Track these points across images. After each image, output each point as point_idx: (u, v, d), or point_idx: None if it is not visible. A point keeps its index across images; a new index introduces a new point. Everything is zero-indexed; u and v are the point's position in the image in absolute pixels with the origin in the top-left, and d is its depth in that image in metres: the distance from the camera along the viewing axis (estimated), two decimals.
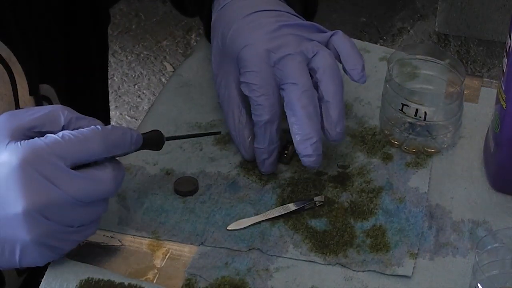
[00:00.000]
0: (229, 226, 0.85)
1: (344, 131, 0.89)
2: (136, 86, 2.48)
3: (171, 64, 2.57)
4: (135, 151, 0.81)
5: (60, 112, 0.78)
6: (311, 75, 0.88)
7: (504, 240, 0.77)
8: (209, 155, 0.93)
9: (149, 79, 2.53)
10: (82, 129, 0.77)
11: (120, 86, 2.47)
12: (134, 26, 2.66)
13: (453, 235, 0.85)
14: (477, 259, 0.75)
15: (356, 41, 1.07)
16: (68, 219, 0.75)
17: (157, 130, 0.84)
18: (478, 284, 0.74)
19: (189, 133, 0.90)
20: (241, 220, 0.86)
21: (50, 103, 1.00)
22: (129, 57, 2.56)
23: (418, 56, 0.96)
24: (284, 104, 0.87)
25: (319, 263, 0.82)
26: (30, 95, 0.97)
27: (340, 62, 0.89)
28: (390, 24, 2.70)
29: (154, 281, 0.80)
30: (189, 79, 1.03)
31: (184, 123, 0.97)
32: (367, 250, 0.83)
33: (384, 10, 2.75)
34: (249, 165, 0.91)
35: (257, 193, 0.89)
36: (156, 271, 0.81)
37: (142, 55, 2.59)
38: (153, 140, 0.84)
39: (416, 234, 0.85)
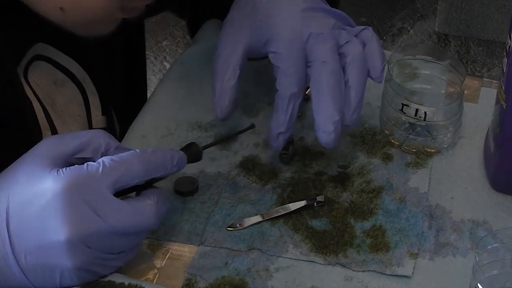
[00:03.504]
0: (229, 226, 0.85)
1: (359, 120, 0.88)
2: None
3: (171, 64, 2.57)
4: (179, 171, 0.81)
5: (101, 139, 0.77)
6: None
7: (504, 240, 0.77)
8: (209, 155, 0.93)
9: (149, 79, 2.52)
10: (121, 154, 0.76)
11: None
12: None
13: (453, 235, 0.85)
14: (477, 259, 0.75)
15: None
16: (109, 248, 0.75)
17: (193, 142, 0.84)
18: (478, 284, 0.74)
19: (222, 138, 0.88)
20: (241, 220, 0.86)
21: (112, 121, 1.01)
22: None
23: (418, 56, 0.96)
24: (310, 82, 0.86)
25: (319, 263, 0.82)
26: (102, 114, 0.97)
27: None
28: (390, 24, 2.71)
29: (154, 281, 0.80)
30: (190, 72, 1.03)
31: (185, 121, 0.97)
32: (367, 250, 0.83)
33: (384, 10, 2.75)
34: (249, 165, 0.91)
35: (257, 193, 0.89)
36: (156, 271, 0.81)
37: None
38: (193, 154, 0.83)
39: (416, 234, 0.85)
